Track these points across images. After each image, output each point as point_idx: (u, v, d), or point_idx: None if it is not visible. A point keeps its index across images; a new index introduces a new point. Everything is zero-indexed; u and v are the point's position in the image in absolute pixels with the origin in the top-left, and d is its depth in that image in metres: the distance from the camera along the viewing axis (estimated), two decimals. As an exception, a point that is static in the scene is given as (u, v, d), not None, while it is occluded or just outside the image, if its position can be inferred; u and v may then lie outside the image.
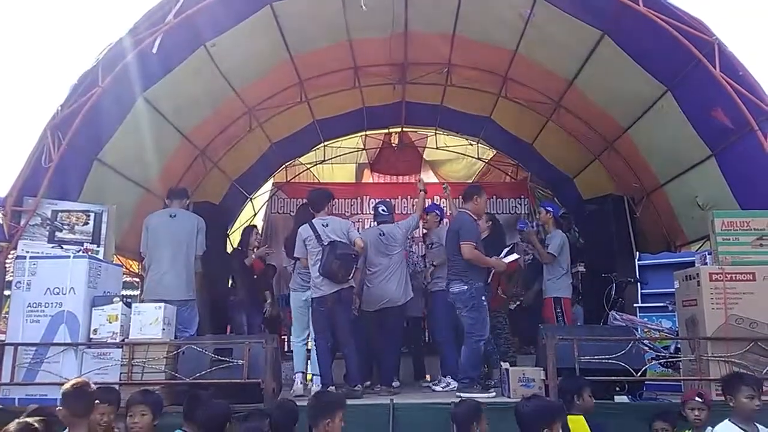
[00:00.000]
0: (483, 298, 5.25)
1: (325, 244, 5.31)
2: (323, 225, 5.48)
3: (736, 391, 3.59)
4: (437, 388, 5.91)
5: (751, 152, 5.26)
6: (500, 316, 7.01)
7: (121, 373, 4.61)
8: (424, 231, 7.32)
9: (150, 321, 4.80)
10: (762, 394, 3.66)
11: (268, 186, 10.03)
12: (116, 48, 5.18)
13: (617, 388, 4.67)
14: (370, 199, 9.92)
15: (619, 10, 5.38)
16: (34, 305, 4.77)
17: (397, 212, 9.31)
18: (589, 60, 6.40)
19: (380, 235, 6.01)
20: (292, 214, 9.24)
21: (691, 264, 5.48)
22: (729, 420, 3.52)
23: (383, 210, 6.23)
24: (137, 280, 6.84)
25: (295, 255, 5.69)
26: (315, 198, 5.79)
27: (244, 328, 6.66)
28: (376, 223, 6.30)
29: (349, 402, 4.91)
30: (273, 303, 7.51)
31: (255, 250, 7.07)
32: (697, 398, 4.06)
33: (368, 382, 5.83)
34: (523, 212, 9.94)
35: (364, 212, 9.70)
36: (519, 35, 6.52)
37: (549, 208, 7.05)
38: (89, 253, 5.12)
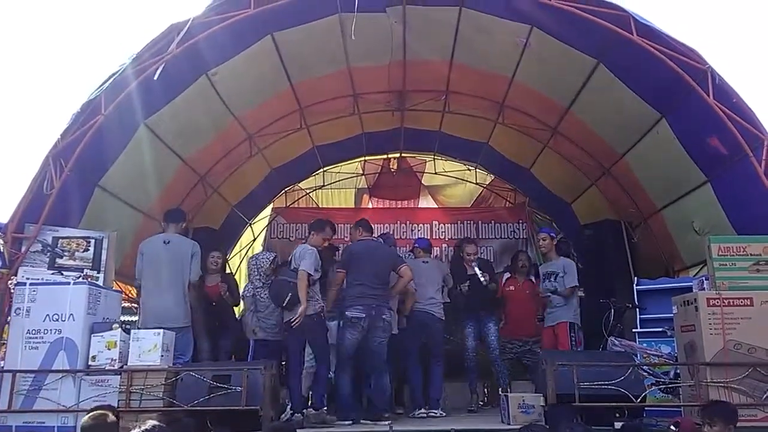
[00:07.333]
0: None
1: None
2: None
3: None
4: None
5: (745, 178, 5.31)
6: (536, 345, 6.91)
7: (119, 400, 4.58)
8: None
9: (149, 348, 4.80)
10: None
11: (267, 211, 10.06)
12: (119, 76, 5.25)
13: (617, 414, 4.66)
14: (369, 224, 9.94)
15: (613, 39, 5.46)
16: (33, 332, 4.79)
17: (396, 237, 9.40)
18: (585, 87, 6.48)
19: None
20: (291, 239, 9.27)
21: (689, 289, 5.48)
22: None
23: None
24: (136, 305, 6.77)
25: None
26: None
27: (201, 354, 6.36)
28: None
29: (349, 429, 4.96)
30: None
31: (214, 275, 6.75)
32: (672, 427, 4.00)
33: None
34: (521, 237, 9.95)
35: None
36: (516, 63, 6.61)
37: (552, 234, 7.04)
38: (89, 279, 5.14)
